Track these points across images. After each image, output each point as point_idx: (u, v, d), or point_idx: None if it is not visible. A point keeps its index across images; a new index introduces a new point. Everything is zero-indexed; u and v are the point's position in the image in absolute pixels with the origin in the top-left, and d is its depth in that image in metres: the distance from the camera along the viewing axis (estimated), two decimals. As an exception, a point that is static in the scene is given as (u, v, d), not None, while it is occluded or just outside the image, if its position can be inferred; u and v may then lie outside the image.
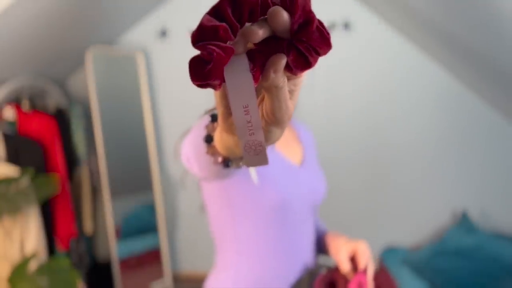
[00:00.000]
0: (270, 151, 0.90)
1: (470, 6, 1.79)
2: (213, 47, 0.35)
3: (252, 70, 0.38)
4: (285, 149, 0.97)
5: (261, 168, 0.85)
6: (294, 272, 0.92)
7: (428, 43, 2.68)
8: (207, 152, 0.56)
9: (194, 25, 2.79)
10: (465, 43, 2.22)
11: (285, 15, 0.35)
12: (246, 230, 0.89)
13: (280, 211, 0.87)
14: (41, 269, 1.38)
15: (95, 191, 2.63)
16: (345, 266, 0.87)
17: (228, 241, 0.91)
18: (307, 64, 0.38)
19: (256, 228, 0.88)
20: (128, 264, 2.65)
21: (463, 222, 2.73)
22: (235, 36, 0.36)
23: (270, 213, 0.87)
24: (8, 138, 1.87)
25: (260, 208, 0.86)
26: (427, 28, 2.44)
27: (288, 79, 0.40)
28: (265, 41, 0.37)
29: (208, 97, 2.84)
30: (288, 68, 0.38)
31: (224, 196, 0.87)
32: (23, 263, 1.38)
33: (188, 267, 3.05)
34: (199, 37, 0.36)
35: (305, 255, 0.95)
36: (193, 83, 0.37)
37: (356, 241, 0.93)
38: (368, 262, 0.87)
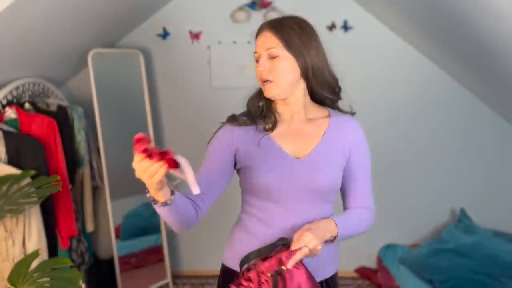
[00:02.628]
0: (268, 145, 1.16)
1: (469, 6, 1.80)
2: None
3: None
4: (288, 143, 1.18)
5: (257, 157, 1.16)
6: (271, 240, 1.14)
7: (426, 44, 2.69)
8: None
9: (194, 25, 2.81)
10: (464, 44, 2.23)
11: None
12: (248, 199, 1.23)
13: (265, 190, 1.15)
14: (42, 268, 1.40)
15: (96, 190, 2.65)
16: (292, 245, 1.06)
17: (242, 204, 1.27)
18: None
19: (252, 199, 1.21)
20: (129, 263, 2.67)
21: (462, 221, 2.74)
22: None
23: (257, 190, 1.17)
24: (9, 138, 1.89)
25: (252, 186, 1.18)
26: (425, 29, 2.45)
27: None
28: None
29: (208, 97, 2.86)
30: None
31: (239, 177, 1.24)
32: (24, 262, 1.39)
33: (188, 266, 3.06)
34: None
35: (291, 230, 1.14)
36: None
37: (310, 227, 1.08)
38: (299, 245, 1.03)
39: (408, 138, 2.90)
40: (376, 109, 2.87)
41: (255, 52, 1.17)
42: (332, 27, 2.77)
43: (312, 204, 1.17)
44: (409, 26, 2.60)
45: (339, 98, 1.29)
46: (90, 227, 2.52)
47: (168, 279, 2.80)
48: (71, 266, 1.51)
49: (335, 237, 1.13)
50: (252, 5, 2.71)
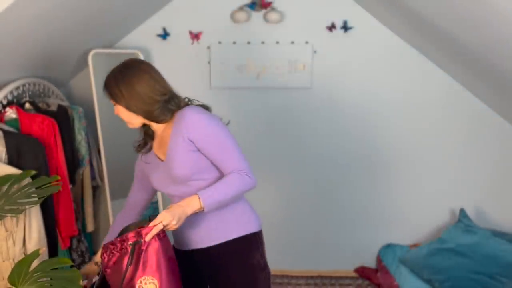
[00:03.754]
0: (152, 154, 1.52)
1: (468, 7, 1.80)
2: None
3: None
4: (158, 151, 1.50)
5: (147, 165, 1.52)
6: None
7: (425, 44, 2.69)
8: None
9: (194, 25, 2.81)
10: (463, 44, 2.23)
11: None
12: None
13: (154, 186, 1.54)
14: (42, 268, 1.40)
15: (97, 190, 2.65)
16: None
17: None
18: None
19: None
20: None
21: (461, 221, 2.75)
22: None
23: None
24: (10, 138, 1.89)
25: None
26: (425, 29, 2.45)
27: None
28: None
29: (208, 97, 2.85)
30: None
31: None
32: (25, 261, 1.40)
33: (188, 265, 3.06)
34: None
35: None
36: None
37: (171, 206, 1.33)
38: (155, 222, 1.27)
39: (407, 138, 2.90)
40: (376, 109, 2.88)
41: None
42: (332, 27, 2.77)
43: (186, 187, 1.42)
44: (409, 26, 2.60)
45: (174, 107, 1.45)
46: (90, 227, 2.52)
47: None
48: (72, 266, 1.51)
49: (204, 210, 1.34)
50: (252, 5, 2.72)
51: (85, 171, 2.48)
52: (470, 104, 2.82)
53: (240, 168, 1.40)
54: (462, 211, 2.79)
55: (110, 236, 1.54)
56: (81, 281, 1.37)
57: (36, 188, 1.72)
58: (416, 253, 2.71)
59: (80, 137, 2.41)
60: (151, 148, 1.53)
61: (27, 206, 1.69)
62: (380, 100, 2.87)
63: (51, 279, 1.39)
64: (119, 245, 1.28)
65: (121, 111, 1.43)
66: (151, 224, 1.27)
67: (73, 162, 2.35)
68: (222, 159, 1.41)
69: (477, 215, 2.86)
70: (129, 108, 1.40)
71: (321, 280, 2.96)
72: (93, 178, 2.57)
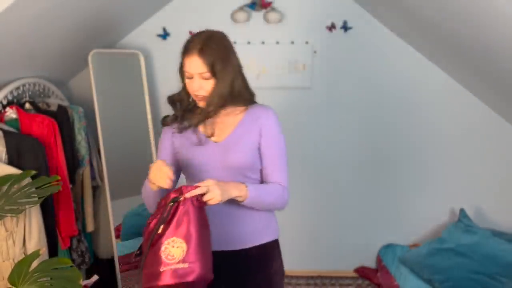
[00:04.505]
0: (194, 132, 1.42)
1: (468, 7, 1.80)
2: None
3: None
4: (209, 131, 1.41)
5: (184, 142, 1.44)
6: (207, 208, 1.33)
7: (425, 44, 2.69)
8: None
9: (194, 25, 2.81)
10: (463, 44, 2.23)
11: None
12: (188, 183, 1.49)
13: (188, 167, 1.44)
14: (42, 268, 1.40)
15: (97, 190, 2.65)
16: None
17: None
18: None
19: (191, 183, 1.43)
20: (129, 262, 2.67)
21: (461, 220, 2.75)
22: None
23: (191, 173, 1.45)
24: (10, 138, 1.89)
25: (187, 172, 1.47)
26: (425, 29, 2.45)
27: None
28: None
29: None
30: None
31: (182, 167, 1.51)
32: (25, 261, 1.40)
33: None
34: None
35: (228, 202, 1.32)
36: None
37: (214, 179, 1.27)
38: (201, 185, 1.23)
39: (407, 138, 2.91)
40: (375, 109, 2.88)
41: (186, 71, 1.35)
42: (332, 27, 2.77)
43: (229, 176, 1.37)
44: (409, 26, 2.60)
45: (252, 98, 1.47)
46: (90, 227, 2.52)
47: (168, 279, 2.80)
48: (71, 266, 1.51)
49: (244, 200, 1.32)
50: (252, 6, 2.72)
51: (85, 171, 2.48)
52: (470, 104, 2.82)
53: (285, 185, 1.44)
54: (462, 211, 2.80)
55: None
56: (81, 281, 1.37)
57: (36, 188, 1.72)
58: (416, 253, 2.71)
59: (80, 137, 2.41)
60: (188, 126, 1.43)
61: (27, 206, 1.69)
62: (379, 100, 2.87)
63: (51, 279, 1.39)
64: (162, 201, 1.24)
65: (209, 84, 1.33)
66: (199, 185, 1.23)
67: (73, 162, 2.35)
68: (274, 167, 1.42)
69: (477, 215, 2.86)
70: (223, 82, 1.33)
71: (321, 280, 2.96)
72: (93, 178, 2.57)
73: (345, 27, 2.76)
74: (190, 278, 1.16)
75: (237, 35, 2.80)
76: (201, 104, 1.38)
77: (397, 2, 2.30)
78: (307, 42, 2.79)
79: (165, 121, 1.53)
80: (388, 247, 2.85)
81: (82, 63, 2.67)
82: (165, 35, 2.80)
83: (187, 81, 1.37)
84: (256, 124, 1.41)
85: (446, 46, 2.45)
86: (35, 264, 1.42)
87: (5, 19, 1.57)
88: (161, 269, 1.16)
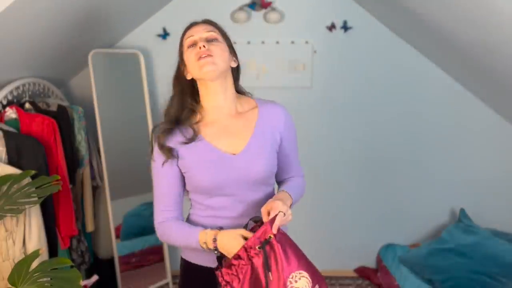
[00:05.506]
0: (203, 146, 1.26)
1: (468, 7, 1.80)
2: None
3: None
4: (221, 142, 1.27)
5: (192, 159, 1.26)
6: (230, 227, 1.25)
7: (425, 44, 2.69)
8: None
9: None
10: (463, 44, 2.23)
11: None
12: (195, 197, 1.34)
13: (209, 189, 1.26)
14: (42, 268, 1.40)
15: (96, 190, 2.65)
16: (264, 219, 1.16)
17: (191, 202, 1.39)
18: None
19: (199, 197, 1.32)
20: (129, 263, 2.68)
21: (462, 221, 2.75)
22: None
23: (201, 190, 1.28)
24: (10, 138, 1.89)
25: (196, 187, 1.29)
26: (424, 29, 2.45)
27: None
28: None
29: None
30: None
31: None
32: (25, 261, 1.40)
33: (188, 265, 3.06)
34: None
35: (241, 217, 1.28)
36: None
37: (274, 200, 1.18)
38: (274, 212, 1.13)
39: (408, 138, 2.91)
40: (375, 109, 2.88)
41: (185, 42, 1.29)
42: (332, 27, 2.77)
43: (254, 191, 1.29)
44: (408, 26, 2.60)
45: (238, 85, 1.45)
46: (90, 227, 2.52)
47: (168, 279, 2.80)
48: (71, 266, 1.51)
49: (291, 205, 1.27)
50: (252, 6, 2.72)
51: (85, 171, 2.48)
52: (470, 104, 2.82)
53: (302, 173, 1.43)
54: (462, 211, 2.79)
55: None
56: (81, 281, 1.37)
57: (36, 188, 1.72)
58: (416, 253, 2.71)
59: (80, 137, 2.41)
60: (195, 136, 1.27)
61: (27, 206, 1.69)
62: (379, 100, 2.87)
63: (51, 279, 1.39)
64: (244, 254, 1.11)
65: (217, 44, 1.26)
66: (272, 215, 1.13)
67: (73, 162, 2.34)
68: (292, 162, 1.39)
69: (477, 215, 2.86)
70: (231, 50, 1.33)
71: (321, 280, 2.95)
72: (93, 178, 2.57)
73: (345, 27, 2.76)
74: None
75: (237, 35, 2.78)
76: (205, 68, 1.22)
77: (397, 2, 2.30)
78: (307, 42, 2.79)
79: (159, 141, 1.29)
80: (388, 247, 2.84)
81: (82, 63, 2.67)
82: (165, 35, 2.80)
83: (188, 50, 1.27)
84: (274, 126, 1.32)
85: (446, 46, 2.45)
86: (35, 264, 1.42)
87: (5, 19, 1.57)
88: None
